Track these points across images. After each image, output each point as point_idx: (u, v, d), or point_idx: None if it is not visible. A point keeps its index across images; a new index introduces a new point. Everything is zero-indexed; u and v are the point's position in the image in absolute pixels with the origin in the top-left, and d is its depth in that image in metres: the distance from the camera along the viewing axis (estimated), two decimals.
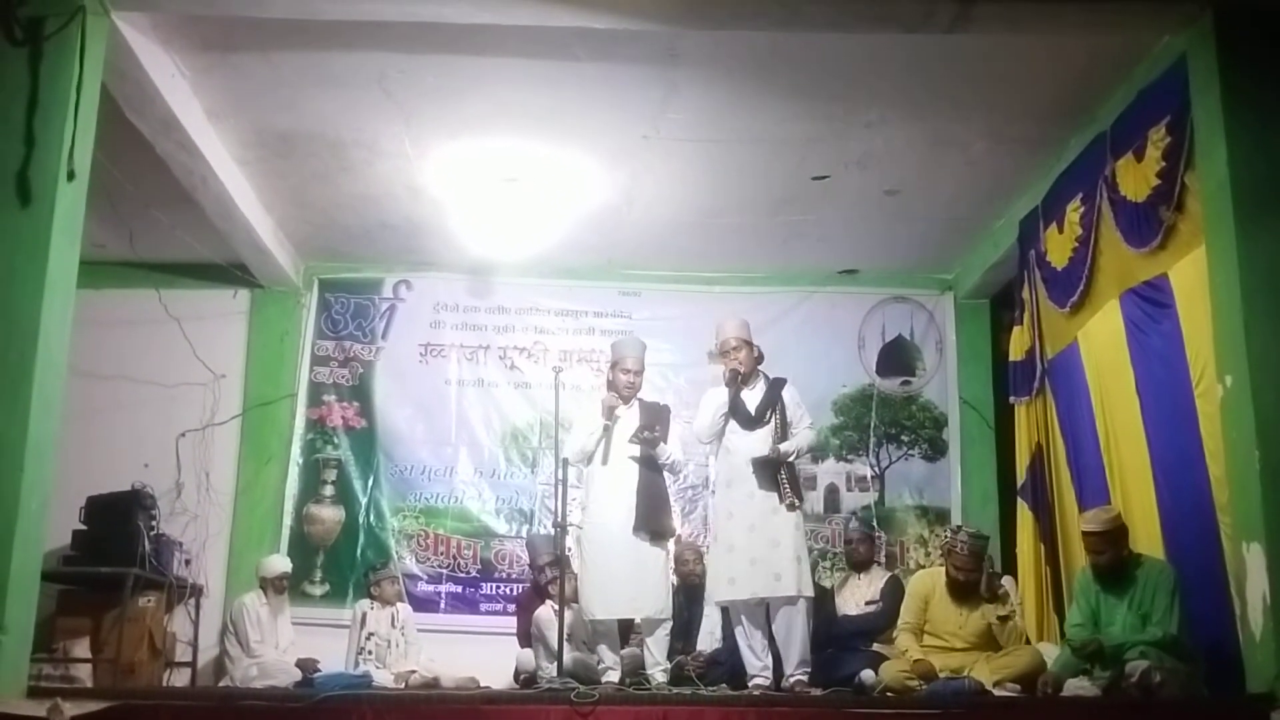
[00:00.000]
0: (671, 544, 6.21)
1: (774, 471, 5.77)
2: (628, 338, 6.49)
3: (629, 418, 5.97)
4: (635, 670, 5.85)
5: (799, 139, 6.48)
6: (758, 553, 5.66)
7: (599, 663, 5.90)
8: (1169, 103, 5.20)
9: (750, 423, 5.87)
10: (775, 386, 6.01)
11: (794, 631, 5.70)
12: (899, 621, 5.93)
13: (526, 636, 6.76)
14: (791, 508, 5.78)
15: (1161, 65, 5.32)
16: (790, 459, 5.87)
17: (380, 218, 7.64)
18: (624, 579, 5.74)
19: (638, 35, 5.41)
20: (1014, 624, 5.79)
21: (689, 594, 6.60)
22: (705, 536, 7.78)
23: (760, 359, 6.04)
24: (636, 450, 5.87)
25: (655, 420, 5.98)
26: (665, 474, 6.08)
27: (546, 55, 5.62)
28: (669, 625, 5.89)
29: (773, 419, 5.90)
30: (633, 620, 6.01)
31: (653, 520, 5.83)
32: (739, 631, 5.83)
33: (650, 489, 5.87)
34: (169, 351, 7.96)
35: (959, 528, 5.85)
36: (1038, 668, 5.44)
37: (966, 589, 5.73)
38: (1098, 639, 5.11)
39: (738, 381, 5.91)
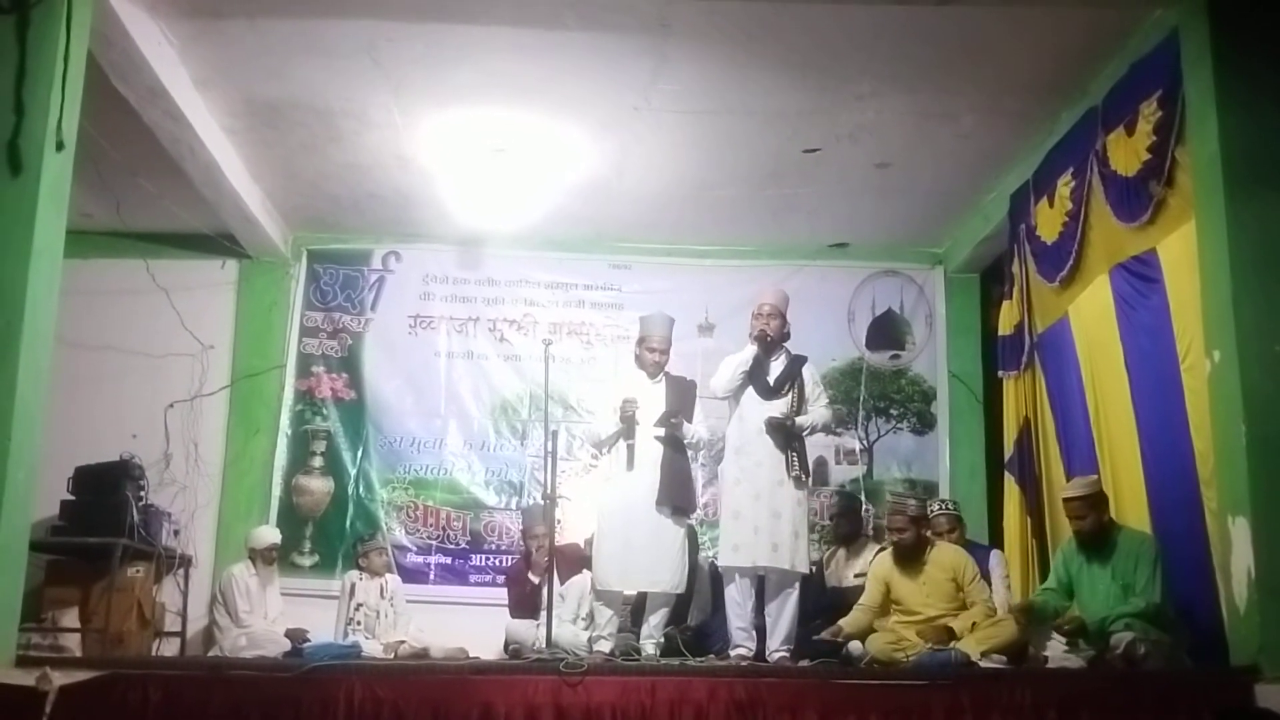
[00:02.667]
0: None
1: (785, 440, 5.81)
2: (656, 314, 6.40)
3: (655, 394, 5.98)
4: (626, 653, 5.85)
5: (790, 111, 6.46)
6: (761, 521, 5.72)
7: (594, 630, 5.92)
8: (1161, 76, 5.18)
9: (768, 392, 5.92)
10: (796, 362, 6.07)
11: (786, 607, 5.77)
12: (859, 601, 5.88)
13: (517, 607, 6.79)
14: (798, 483, 5.83)
15: (1153, 39, 5.31)
16: (805, 433, 5.92)
17: (369, 188, 7.60)
18: (642, 552, 5.76)
19: (628, 5, 5.39)
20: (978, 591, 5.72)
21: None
22: (716, 505, 7.82)
23: (788, 335, 6.07)
24: (661, 431, 5.89)
25: (680, 399, 5.99)
26: (689, 451, 6.11)
27: (536, 24, 5.59)
28: (674, 600, 5.92)
29: (790, 393, 5.95)
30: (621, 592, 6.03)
31: (676, 496, 5.85)
32: (730, 597, 5.87)
33: (674, 465, 5.89)
34: (157, 322, 7.93)
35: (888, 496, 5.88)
36: (1022, 639, 5.49)
37: (908, 553, 5.68)
38: (1079, 616, 5.14)
39: (765, 342, 5.94)
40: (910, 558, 5.69)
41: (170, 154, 6.51)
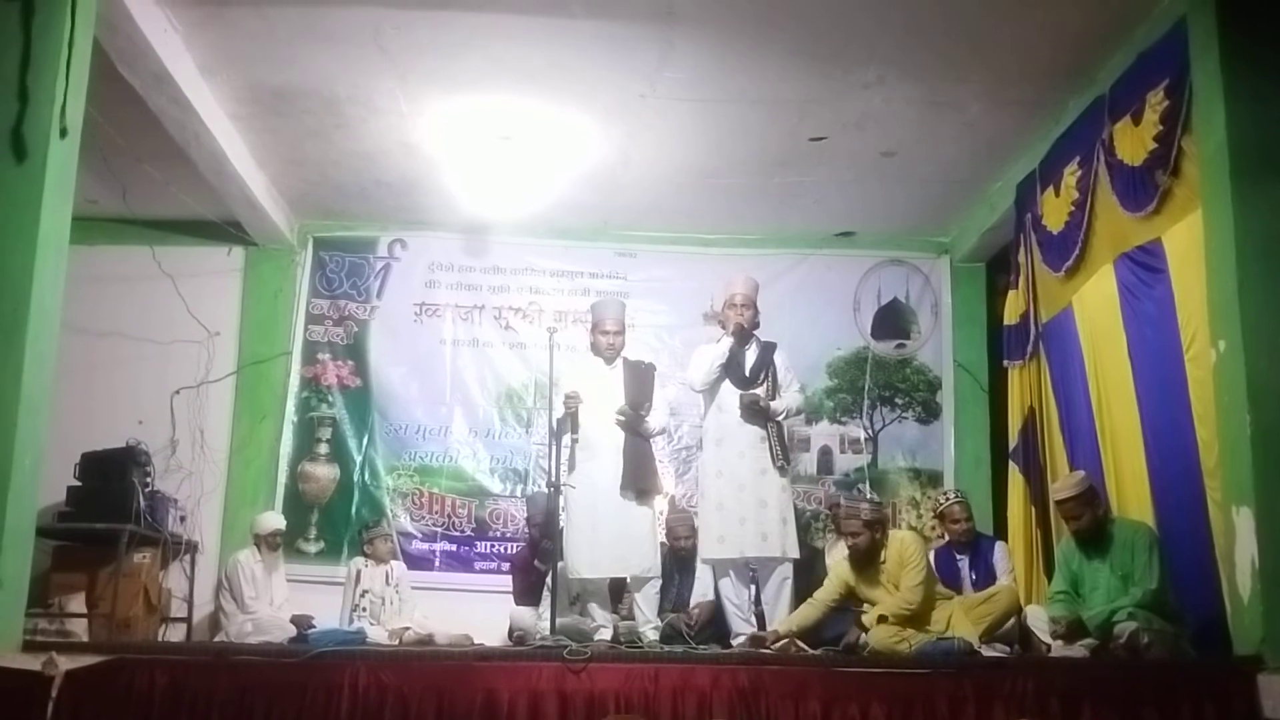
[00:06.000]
0: (661, 503, 6.25)
1: (760, 422, 5.82)
2: (607, 299, 6.54)
3: (613, 379, 6.00)
4: (632, 642, 5.87)
5: (796, 99, 6.45)
6: (747, 512, 5.74)
7: (592, 622, 5.94)
8: (1168, 66, 5.17)
9: (744, 383, 5.97)
10: (767, 350, 6.11)
11: (783, 593, 5.79)
12: (814, 595, 5.74)
13: (522, 595, 6.79)
14: (782, 471, 5.86)
15: (1161, 28, 5.30)
16: (779, 418, 5.95)
17: (375, 175, 7.60)
18: (610, 538, 5.78)
19: None
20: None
21: (680, 563, 6.60)
22: (699, 497, 7.86)
23: (758, 324, 6.11)
24: (621, 419, 5.90)
25: (638, 383, 6.00)
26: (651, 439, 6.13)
27: (542, 11, 5.58)
28: (658, 583, 5.93)
29: (765, 381, 5.98)
30: (625, 580, 6.05)
31: (639, 480, 5.86)
32: (724, 586, 5.90)
33: (635, 450, 5.91)
34: (163, 308, 7.93)
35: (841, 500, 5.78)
36: (1016, 605, 5.59)
37: (864, 557, 5.51)
38: (1076, 613, 5.13)
39: (744, 333, 5.96)
40: (867, 561, 5.52)
41: (176, 141, 6.51)
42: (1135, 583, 5.00)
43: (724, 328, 6.09)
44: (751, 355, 6.06)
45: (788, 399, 6.08)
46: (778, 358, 6.14)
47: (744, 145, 7.05)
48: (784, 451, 5.94)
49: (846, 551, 5.71)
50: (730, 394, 5.98)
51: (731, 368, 5.99)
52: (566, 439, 5.88)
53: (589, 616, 5.98)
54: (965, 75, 6.15)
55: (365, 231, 8.44)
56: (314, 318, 8.35)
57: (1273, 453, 4.47)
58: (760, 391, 5.97)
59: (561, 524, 5.98)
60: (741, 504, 5.77)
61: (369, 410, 8.22)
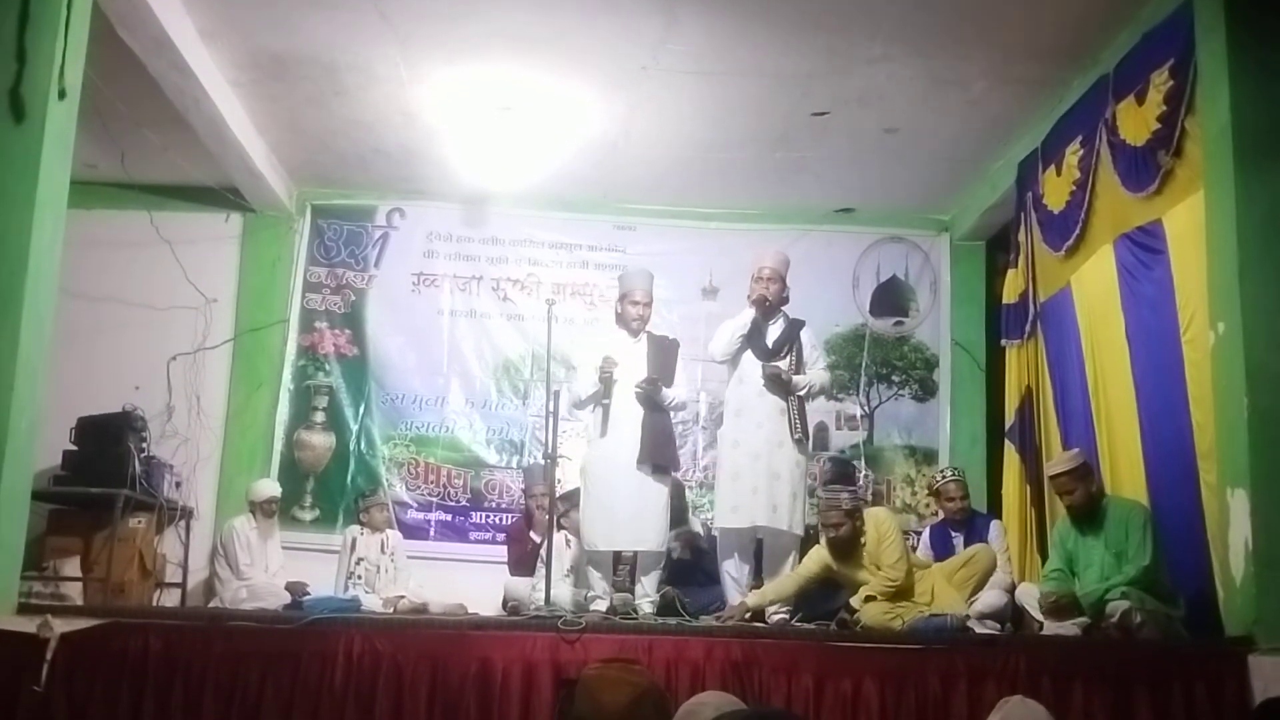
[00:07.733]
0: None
1: (782, 394, 5.83)
2: (636, 269, 6.44)
3: (635, 353, 5.97)
4: (626, 614, 5.87)
5: (800, 74, 6.42)
6: (759, 482, 5.74)
7: (589, 593, 5.96)
8: (1173, 45, 5.15)
9: (767, 355, 5.95)
10: (794, 326, 6.09)
11: (783, 570, 5.79)
12: (795, 570, 5.77)
13: (517, 565, 6.81)
14: (800, 446, 5.86)
15: (1167, 7, 5.27)
16: (801, 392, 5.93)
17: (374, 144, 7.57)
18: (626, 512, 5.76)
19: None
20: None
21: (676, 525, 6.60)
22: (695, 470, 7.89)
23: (786, 300, 6.08)
24: (639, 390, 5.89)
25: (661, 358, 5.98)
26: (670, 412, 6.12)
27: None
28: (664, 558, 5.94)
29: (789, 356, 5.97)
30: (620, 552, 6.06)
31: (657, 454, 5.84)
32: (729, 564, 5.90)
33: (655, 424, 5.88)
34: (160, 274, 7.91)
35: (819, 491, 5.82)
36: (994, 563, 5.67)
37: (845, 545, 5.50)
38: (1070, 591, 5.16)
39: (765, 307, 5.94)
40: (848, 550, 5.52)
41: (175, 106, 6.48)
42: (1129, 560, 5.02)
43: (750, 300, 6.08)
44: (776, 329, 6.04)
45: (812, 375, 6.05)
46: (805, 335, 6.11)
47: (746, 119, 7.02)
48: (804, 426, 5.93)
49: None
50: (752, 366, 5.95)
51: (753, 339, 5.96)
52: (599, 405, 5.88)
53: (586, 587, 5.99)
54: (969, 52, 6.12)
55: (364, 200, 8.41)
56: (311, 286, 8.34)
57: (1269, 435, 4.49)
58: (783, 364, 5.96)
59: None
60: (755, 474, 5.77)
61: (366, 379, 8.22)
